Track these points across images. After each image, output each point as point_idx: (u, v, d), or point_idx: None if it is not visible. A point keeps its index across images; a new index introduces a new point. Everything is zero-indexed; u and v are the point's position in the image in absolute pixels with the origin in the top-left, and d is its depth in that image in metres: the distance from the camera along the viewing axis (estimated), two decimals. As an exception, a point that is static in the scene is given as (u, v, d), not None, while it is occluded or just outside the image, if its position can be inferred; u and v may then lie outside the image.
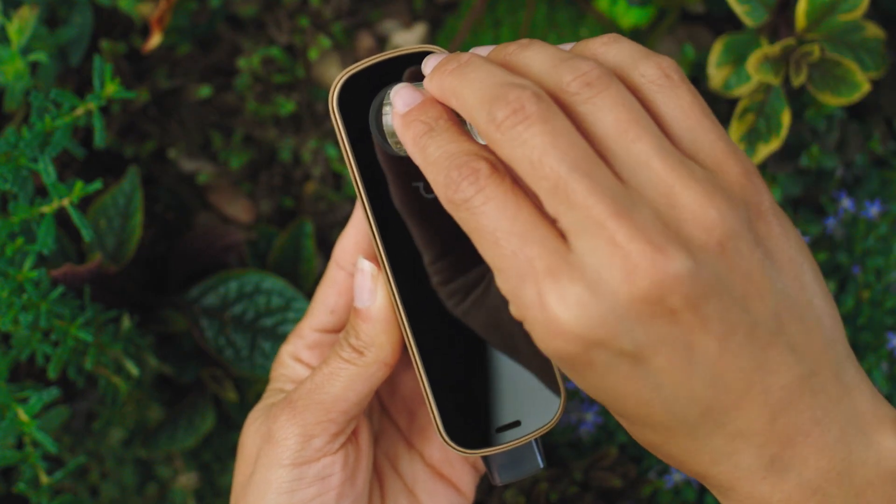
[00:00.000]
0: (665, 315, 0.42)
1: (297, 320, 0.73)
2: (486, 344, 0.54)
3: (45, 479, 0.67)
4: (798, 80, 0.67)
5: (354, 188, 0.52)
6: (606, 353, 0.42)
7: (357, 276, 0.54)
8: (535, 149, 0.43)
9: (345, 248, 0.57)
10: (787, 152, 0.76)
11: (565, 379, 0.56)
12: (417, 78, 0.52)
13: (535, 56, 0.46)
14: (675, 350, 0.42)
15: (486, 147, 0.46)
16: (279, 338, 0.73)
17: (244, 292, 0.73)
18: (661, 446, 0.46)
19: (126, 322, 0.70)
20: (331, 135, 0.82)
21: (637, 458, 0.76)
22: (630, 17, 0.79)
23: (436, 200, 0.52)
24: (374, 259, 0.54)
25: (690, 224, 0.42)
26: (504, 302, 0.53)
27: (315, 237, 0.78)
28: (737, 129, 0.70)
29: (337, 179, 0.83)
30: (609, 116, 0.44)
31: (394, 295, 0.53)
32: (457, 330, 0.53)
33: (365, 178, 0.52)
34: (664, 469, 0.75)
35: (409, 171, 0.53)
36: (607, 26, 0.82)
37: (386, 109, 0.52)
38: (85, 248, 0.72)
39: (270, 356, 0.73)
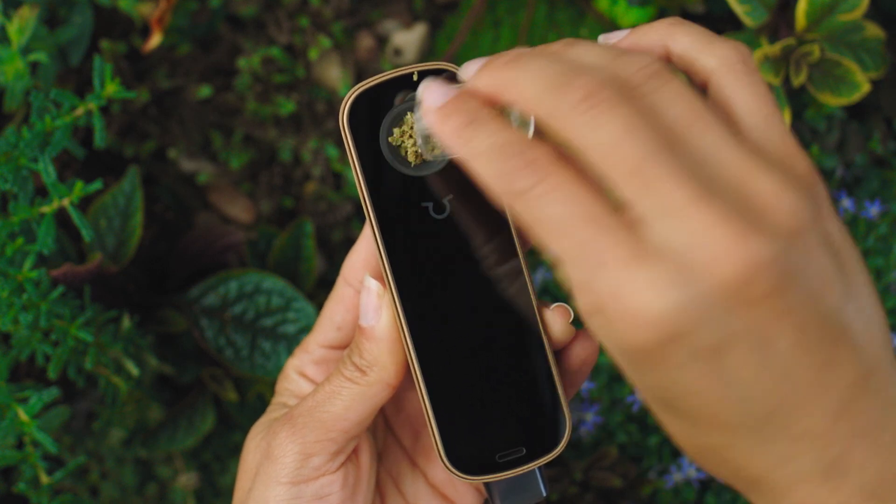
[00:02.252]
0: (748, 304, 0.40)
1: (296, 320, 0.73)
2: (491, 368, 0.53)
3: (45, 479, 0.67)
4: (798, 80, 0.67)
5: (363, 206, 0.52)
6: (686, 345, 0.41)
7: (363, 294, 0.53)
8: (613, 132, 0.41)
9: (353, 265, 0.56)
10: (787, 152, 0.76)
11: (572, 408, 0.55)
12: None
13: (587, 51, 0.45)
14: (753, 343, 0.41)
15: (535, 139, 0.44)
16: (279, 338, 0.73)
17: (244, 292, 0.73)
18: (720, 450, 0.44)
19: (126, 322, 0.70)
20: (331, 135, 0.82)
21: (637, 458, 0.76)
22: (630, 17, 0.79)
23: (445, 221, 0.52)
24: (380, 278, 0.53)
25: (768, 212, 0.41)
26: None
27: (315, 237, 0.78)
28: (737, 129, 0.70)
29: (337, 179, 0.83)
30: (676, 107, 0.42)
31: (399, 315, 0.52)
32: (462, 353, 0.53)
33: (374, 196, 0.51)
34: (664, 469, 0.75)
35: (419, 190, 0.52)
36: (607, 26, 0.82)
37: (394, 130, 0.52)
38: (85, 248, 0.72)
39: (270, 356, 0.73)
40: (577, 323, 0.51)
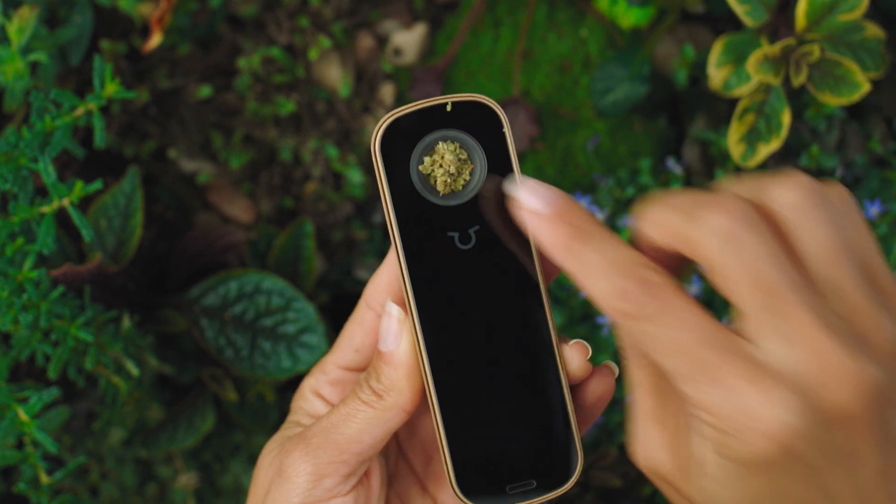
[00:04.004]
0: (850, 423, 0.44)
1: (296, 320, 0.73)
2: (507, 399, 0.53)
3: (45, 479, 0.67)
4: (798, 80, 0.67)
5: (389, 232, 0.52)
6: (800, 457, 0.44)
7: (384, 318, 0.54)
8: (758, 259, 0.44)
9: (376, 289, 0.57)
10: (787, 152, 0.76)
11: (584, 445, 0.55)
12: (463, 124, 0.52)
13: (730, 183, 0.48)
14: (849, 458, 0.44)
15: (645, 256, 0.47)
16: (279, 338, 0.73)
17: (244, 292, 0.73)
18: None
19: (126, 322, 0.70)
20: (330, 135, 0.82)
21: (637, 458, 0.76)
22: (630, 17, 0.79)
23: (470, 251, 0.53)
24: (402, 304, 0.53)
25: (872, 340, 0.45)
26: None
27: (315, 237, 0.78)
28: (737, 129, 0.70)
29: (337, 179, 0.83)
30: (819, 235, 0.46)
31: (419, 342, 0.52)
32: (479, 382, 0.53)
33: (401, 223, 0.52)
34: (664, 469, 0.75)
35: (446, 219, 0.53)
36: (607, 26, 0.82)
37: (424, 159, 0.52)
38: (85, 248, 0.72)
39: (270, 356, 0.73)
40: (594, 360, 0.52)
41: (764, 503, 0.45)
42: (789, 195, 0.46)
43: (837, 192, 0.48)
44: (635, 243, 0.48)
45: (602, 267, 0.46)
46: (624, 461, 0.73)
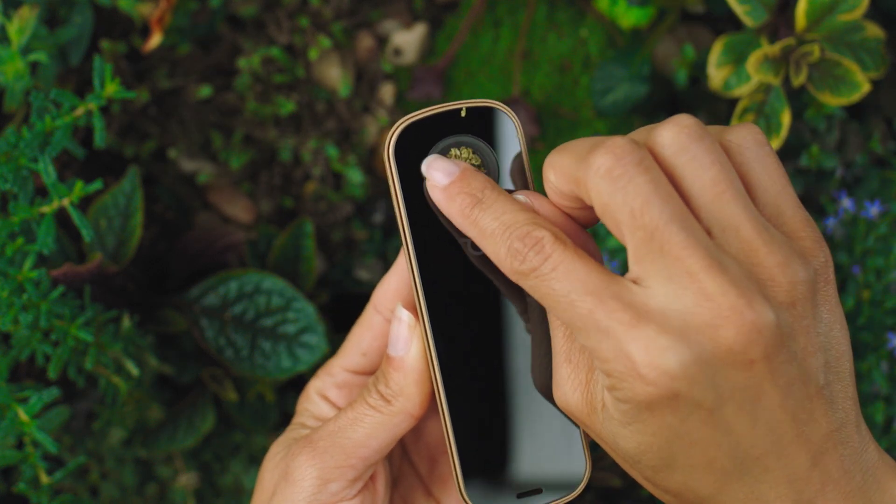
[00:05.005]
0: (743, 365, 0.44)
1: (296, 320, 0.73)
2: (516, 406, 0.54)
3: (45, 479, 0.67)
4: (798, 80, 0.67)
5: (401, 237, 0.52)
6: (688, 400, 0.44)
7: (394, 323, 0.54)
8: (638, 197, 0.44)
9: (385, 294, 0.57)
10: (788, 152, 0.76)
11: (592, 451, 0.55)
12: (465, 130, 0.53)
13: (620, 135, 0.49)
14: (746, 399, 0.45)
15: (537, 213, 0.48)
16: (279, 338, 0.73)
17: (244, 292, 0.73)
18: (713, 496, 0.47)
19: (126, 322, 0.70)
20: (330, 135, 0.82)
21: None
22: (630, 17, 0.79)
23: (482, 258, 0.53)
24: (413, 309, 0.53)
25: (770, 283, 0.45)
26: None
27: (315, 237, 0.78)
28: (737, 129, 0.70)
29: (337, 179, 0.83)
30: (707, 174, 0.46)
31: (429, 348, 0.52)
32: (488, 389, 0.53)
33: (413, 229, 0.52)
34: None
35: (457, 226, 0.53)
36: (607, 26, 0.82)
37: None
38: (85, 248, 0.72)
39: (270, 356, 0.73)
40: None
41: (662, 441, 0.46)
42: (670, 135, 0.47)
43: (745, 131, 0.48)
44: (547, 192, 0.50)
45: (497, 231, 0.48)
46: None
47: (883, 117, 0.80)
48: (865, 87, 0.67)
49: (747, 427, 0.45)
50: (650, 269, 0.44)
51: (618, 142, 0.45)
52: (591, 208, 0.49)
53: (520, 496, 0.53)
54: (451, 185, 0.50)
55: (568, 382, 0.49)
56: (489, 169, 0.52)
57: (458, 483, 0.53)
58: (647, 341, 0.43)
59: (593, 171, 0.45)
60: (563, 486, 0.54)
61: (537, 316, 0.53)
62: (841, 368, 0.48)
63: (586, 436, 0.54)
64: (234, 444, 0.82)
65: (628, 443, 0.47)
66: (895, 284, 0.76)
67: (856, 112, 0.79)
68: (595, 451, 0.76)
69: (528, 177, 0.53)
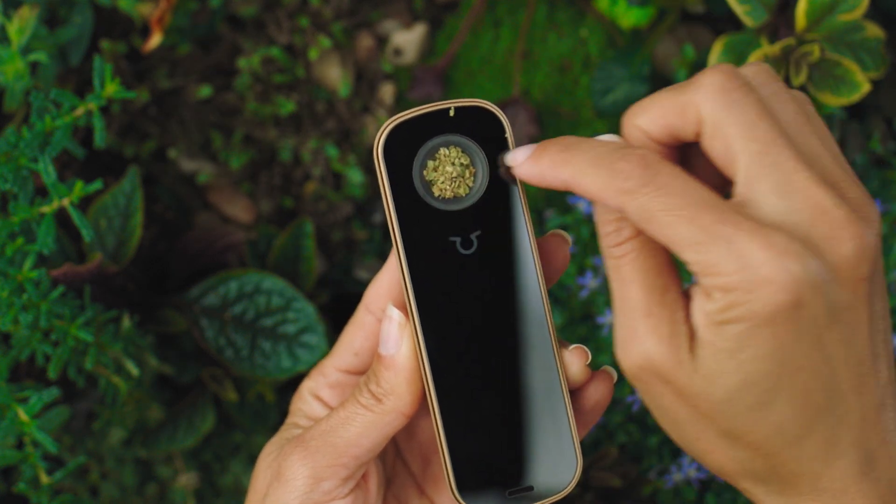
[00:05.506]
0: (854, 283, 0.45)
1: (296, 320, 0.73)
2: (507, 403, 0.53)
3: (45, 479, 0.67)
4: (798, 80, 0.67)
5: (391, 236, 0.52)
6: (809, 311, 0.44)
7: (384, 322, 0.54)
8: (752, 111, 0.45)
9: (377, 293, 0.56)
10: (787, 152, 0.76)
11: (584, 445, 0.55)
12: (464, 130, 0.53)
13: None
14: (850, 322, 0.45)
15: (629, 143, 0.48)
16: (279, 338, 0.73)
17: (244, 292, 0.73)
18: (799, 440, 0.46)
19: (126, 322, 0.70)
20: (330, 135, 0.82)
21: (637, 458, 0.76)
22: (630, 17, 0.79)
23: (471, 257, 0.53)
24: (403, 308, 0.53)
25: (861, 211, 0.46)
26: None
27: (315, 237, 0.78)
28: (737, 129, 0.70)
29: (337, 179, 0.83)
30: (791, 108, 0.47)
31: (419, 346, 0.52)
32: (479, 387, 0.53)
33: (403, 228, 0.52)
34: (664, 469, 0.75)
35: (448, 224, 0.53)
36: (607, 26, 0.82)
37: (427, 163, 0.52)
38: (85, 248, 0.72)
39: (270, 356, 0.73)
40: (593, 365, 0.52)
41: (771, 366, 0.45)
42: (752, 72, 0.48)
43: (799, 93, 0.49)
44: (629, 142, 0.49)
45: (593, 161, 0.47)
46: (624, 461, 0.73)
47: (883, 117, 0.80)
48: (865, 87, 0.67)
49: (843, 354, 0.45)
50: (763, 185, 0.45)
51: (724, 65, 0.47)
52: (673, 160, 0.49)
53: (511, 494, 0.53)
54: (535, 151, 0.50)
55: (650, 336, 0.47)
56: (478, 168, 0.52)
57: (449, 481, 0.53)
58: (777, 248, 0.43)
59: (706, 89, 0.46)
60: (554, 484, 0.54)
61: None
62: (889, 322, 0.49)
63: (578, 433, 0.54)
64: (234, 444, 0.82)
65: (731, 378, 0.45)
66: (895, 284, 0.76)
67: (856, 112, 0.79)
68: (595, 451, 0.76)
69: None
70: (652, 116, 0.48)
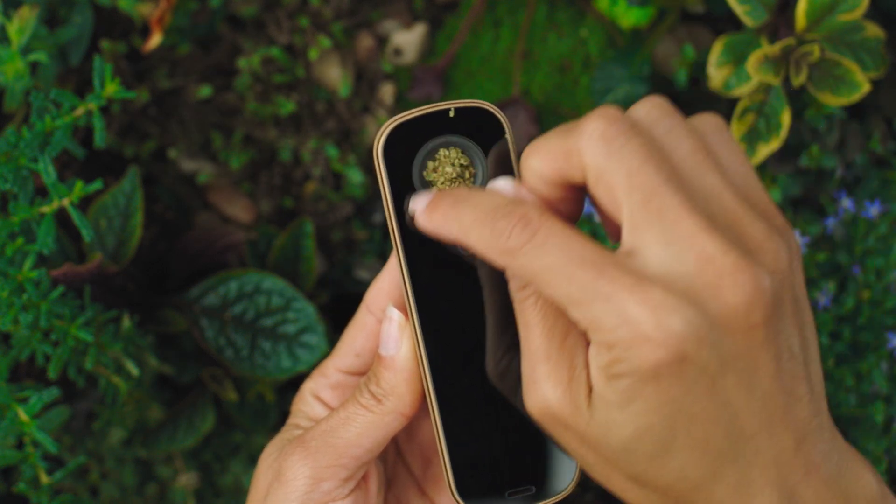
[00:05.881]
0: (745, 330, 0.43)
1: (296, 320, 0.73)
2: (506, 404, 0.53)
3: (45, 479, 0.67)
4: (798, 80, 0.67)
5: (391, 237, 0.52)
6: (694, 365, 0.43)
7: (385, 323, 0.54)
8: (635, 159, 0.44)
9: (377, 294, 0.57)
10: (787, 152, 0.76)
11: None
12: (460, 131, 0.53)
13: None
14: (746, 368, 0.44)
15: (518, 197, 0.47)
16: (279, 338, 0.73)
17: (244, 292, 0.73)
18: (705, 484, 0.46)
19: (126, 322, 0.70)
20: (330, 135, 0.82)
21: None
22: (630, 17, 0.79)
23: (471, 258, 0.53)
24: (403, 309, 0.53)
25: (757, 250, 0.45)
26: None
27: (315, 237, 0.78)
28: (737, 129, 0.70)
29: (337, 179, 0.83)
30: (685, 145, 0.46)
31: (419, 347, 0.52)
32: (479, 388, 0.53)
33: (402, 229, 0.52)
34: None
35: None
36: (607, 26, 0.82)
37: (427, 164, 0.52)
38: (85, 248, 0.72)
39: (270, 356, 0.73)
40: None
41: (663, 419, 0.45)
42: (644, 110, 0.46)
43: (706, 117, 0.48)
44: (525, 184, 0.48)
45: (477, 219, 0.46)
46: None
47: (883, 117, 0.80)
48: (865, 87, 0.67)
49: (744, 400, 0.44)
50: (647, 234, 0.44)
51: (607, 109, 0.45)
52: (576, 198, 0.48)
53: (510, 495, 0.53)
54: (430, 203, 0.49)
55: (548, 381, 0.47)
56: (478, 169, 0.52)
57: (449, 482, 0.53)
58: (654, 303, 0.42)
59: (587, 136, 0.45)
60: (553, 485, 0.54)
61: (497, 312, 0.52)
62: (813, 350, 0.47)
63: None
64: (234, 444, 0.82)
65: (624, 430, 0.45)
66: (895, 284, 0.76)
67: (856, 112, 0.79)
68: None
69: (517, 175, 0.53)
70: (542, 160, 0.47)
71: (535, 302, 0.48)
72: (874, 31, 0.69)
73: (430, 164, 0.52)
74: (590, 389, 0.46)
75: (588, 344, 0.47)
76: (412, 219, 0.51)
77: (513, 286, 0.49)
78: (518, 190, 0.48)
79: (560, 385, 0.47)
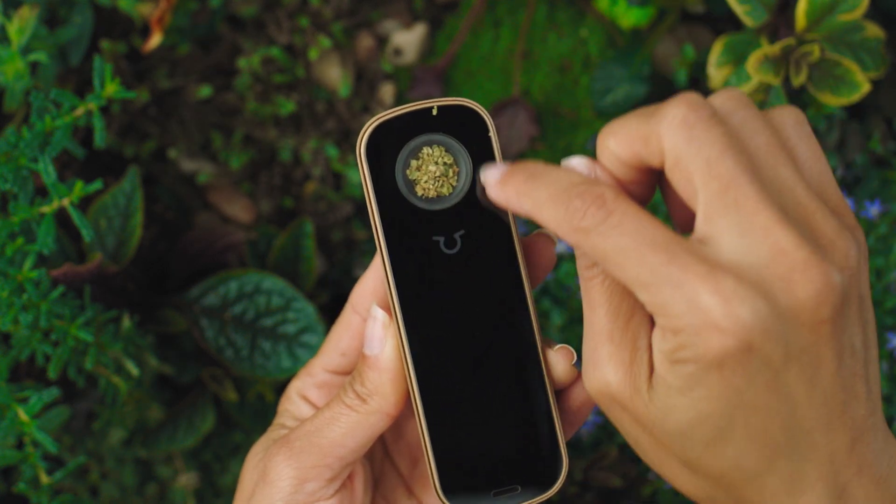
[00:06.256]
0: (812, 325, 0.44)
1: (296, 320, 0.73)
2: (492, 403, 0.53)
3: (45, 479, 0.67)
4: (798, 80, 0.67)
5: (374, 236, 0.52)
6: (759, 356, 0.43)
7: (369, 322, 0.54)
8: (715, 147, 0.44)
9: (362, 294, 0.56)
10: (787, 152, 0.76)
11: (568, 450, 0.55)
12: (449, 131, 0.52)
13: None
14: (809, 363, 0.44)
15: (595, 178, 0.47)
16: (279, 338, 0.73)
17: (244, 292, 0.73)
18: (760, 476, 0.46)
19: (126, 322, 0.70)
20: (330, 135, 0.82)
21: (637, 458, 0.76)
22: (630, 17, 0.79)
23: (455, 256, 0.53)
24: (388, 308, 0.53)
25: (829, 247, 0.45)
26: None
27: (315, 237, 0.78)
28: (737, 129, 0.70)
29: (337, 179, 0.83)
30: (762, 137, 0.46)
31: (403, 346, 0.52)
32: (463, 387, 0.53)
33: (386, 227, 0.52)
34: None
35: (431, 224, 0.52)
36: (607, 26, 0.82)
37: (411, 162, 0.52)
38: (85, 248, 0.72)
39: (270, 356, 0.73)
40: (579, 364, 0.52)
41: (723, 407, 0.45)
42: (722, 100, 0.47)
43: (787, 110, 0.48)
44: (600, 166, 0.48)
45: (552, 195, 0.46)
46: (624, 461, 0.73)
47: (883, 117, 0.80)
48: (865, 87, 0.67)
49: (805, 395, 0.44)
50: (722, 224, 0.44)
51: (689, 95, 0.45)
52: (648, 182, 0.48)
53: (496, 494, 0.53)
54: (504, 174, 0.49)
55: (610, 362, 0.47)
56: (462, 168, 0.52)
57: (434, 481, 0.53)
58: (725, 292, 0.42)
59: (668, 121, 0.45)
60: (540, 484, 0.54)
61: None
62: (874, 350, 0.47)
63: (564, 433, 0.54)
64: (234, 444, 0.82)
65: (684, 415, 0.45)
66: (895, 284, 0.76)
67: (856, 112, 0.79)
68: (595, 451, 0.76)
69: None
70: (620, 141, 0.47)
71: (602, 282, 0.48)
72: (874, 31, 0.69)
73: (414, 163, 0.52)
74: (651, 372, 0.47)
75: (652, 327, 0.47)
76: (483, 191, 0.51)
77: (580, 264, 0.49)
78: (593, 169, 0.48)
79: (622, 366, 0.47)
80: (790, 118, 0.48)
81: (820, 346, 0.44)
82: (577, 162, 0.49)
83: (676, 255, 0.43)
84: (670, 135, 0.45)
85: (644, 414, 0.47)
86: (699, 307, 0.43)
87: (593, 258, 0.46)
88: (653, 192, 0.49)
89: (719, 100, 0.47)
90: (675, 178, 0.45)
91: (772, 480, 0.46)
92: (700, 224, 0.45)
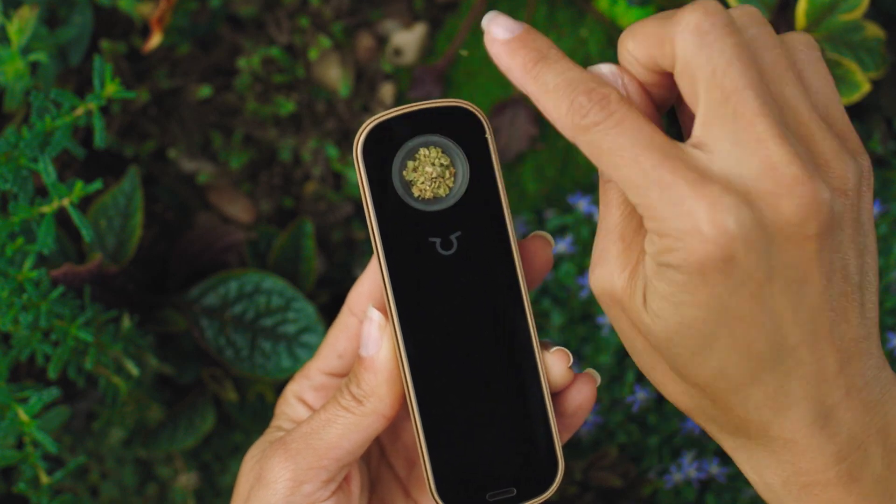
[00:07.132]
0: (798, 241, 0.44)
1: (296, 320, 0.73)
2: (488, 406, 0.53)
3: (45, 479, 0.67)
4: (798, 80, 0.67)
5: (370, 237, 0.52)
6: (742, 267, 0.43)
7: (365, 323, 0.53)
8: (723, 57, 0.44)
9: (359, 295, 0.57)
10: (787, 152, 0.76)
11: (564, 453, 0.55)
12: (448, 131, 0.52)
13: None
14: (795, 278, 0.44)
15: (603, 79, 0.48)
16: (279, 338, 0.73)
17: (244, 292, 0.73)
18: (745, 386, 0.46)
19: (126, 322, 0.70)
20: (330, 135, 0.82)
21: (637, 458, 0.76)
22: (630, 16, 0.79)
23: (451, 258, 0.53)
24: (384, 309, 0.53)
25: (825, 167, 0.45)
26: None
27: (315, 237, 0.78)
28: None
29: (337, 179, 0.83)
30: (772, 53, 0.46)
31: (399, 348, 0.52)
32: (459, 389, 0.53)
33: (382, 229, 0.52)
34: (664, 469, 0.75)
35: (428, 225, 0.52)
36: (607, 26, 0.82)
37: (407, 164, 0.52)
38: (85, 248, 0.72)
39: (270, 356, 0.73)
40: (576, 367, 0.52)
41: (707, 314, 0.45)
42: (746, 16, 0.47)
43: (799, 35, 0.48)
44: (620, 65, 0.49)
45: (558, 86, 0.47)
46: (624, 461, 0.73)
47: (883, 117, 0.80)
48: (865, 87, 0.67)
49: (790, 310, 0.45)
50: (718, 132, 0.44)
51: (708, 2, 0.45)
52: (669, 85, 0.48)
53: (492, 497, 0.53)
54: (514, 40, 0.48)
55: (617, 261, 0.48)
56: (459, 169, 0.52)
57: (429, 484, 0.53)
58: (712, 199, 0.43)
59: (682, 26, 0.45)
60: (535, 488, 0.54)
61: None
62: (871, 276, 0.48)
63: (560, 436, 0.54)
64: (234, 444, 0.82)
65: (669, 321, 0.46)
66: (895, 284, 0.76)
67: (856, 112, 0.80)
68: (595, 451, 0.76)
69: (498, 176, 0.53)
70: (637, 43, 0.47)
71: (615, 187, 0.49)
72: (874, 31, 0.69)
73: (410, 164, 0.52)
74: (643, 271, 0.47)
75: None
76: (488, 42, 0.49)
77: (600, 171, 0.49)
78: (619, 76, 0.49)
79: (628, 266, 0.48)
80: (802, 42, 0.48)
81: (806, 262, 0.44)
82: (606, 69, 0.49)
83: (668, 158, 0.44)
84: (682, 40, 0.45)
85: (638, 317, 0.47)
86: (684, 211, 0.43)
87: (588, 155, 0.47)
88: (673, 95, 0.49)
89: (737, 12, 0.47)
90: (682, 83, 0.46)
91: (756, 393, 0.46)
92: (696, 129, 0.45)
